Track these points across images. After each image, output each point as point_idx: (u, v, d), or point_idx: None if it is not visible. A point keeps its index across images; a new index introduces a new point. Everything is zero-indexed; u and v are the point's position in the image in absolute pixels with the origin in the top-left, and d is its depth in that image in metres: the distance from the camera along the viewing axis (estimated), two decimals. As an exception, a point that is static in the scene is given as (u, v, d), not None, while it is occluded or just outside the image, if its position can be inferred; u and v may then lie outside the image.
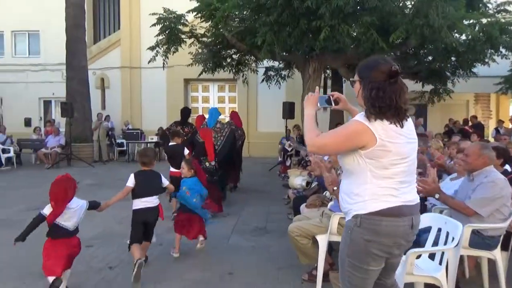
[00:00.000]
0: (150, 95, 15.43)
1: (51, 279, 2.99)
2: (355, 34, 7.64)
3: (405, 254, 2.41)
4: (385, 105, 1.83)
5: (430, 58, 10.06)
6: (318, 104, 2.13)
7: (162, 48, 10.36)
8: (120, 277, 3.55)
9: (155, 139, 12.98)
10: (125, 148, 13.53)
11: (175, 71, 14.26)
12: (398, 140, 1.85)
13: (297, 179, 5.93)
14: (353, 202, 1.93)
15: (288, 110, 10.99)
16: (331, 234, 3.30)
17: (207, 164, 6.13)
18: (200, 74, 11.34)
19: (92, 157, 12.42)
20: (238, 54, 11.28)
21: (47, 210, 3.14)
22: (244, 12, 8.73)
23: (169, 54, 10.43)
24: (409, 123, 1.94)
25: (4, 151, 11.33)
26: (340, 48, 7.72)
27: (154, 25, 9.89)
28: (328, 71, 12.76)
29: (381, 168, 1.86)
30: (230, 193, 7.46)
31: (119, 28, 15.98)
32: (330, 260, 3.47)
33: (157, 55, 10.39)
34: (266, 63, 11.63)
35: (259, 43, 7.69)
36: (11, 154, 11.52)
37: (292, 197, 5.75)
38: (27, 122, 15.91)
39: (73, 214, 3.20)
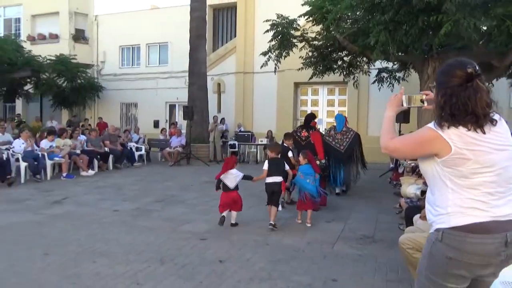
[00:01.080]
0: (261, 99, 16.02)
1: (221, 215, 5.28)
2: (485, 28, 6.80)
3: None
4: (458, 112, 1.69)
5: None
6: (405, 104, 2.04)
7: (274, 53, 10.69)
8: (229, 271, 3.76)
9: (265, 141, 13.43)
10: (236, 149, 14.29)
11: (286, 75, 14.55)
12: (479, 148, 1.68)
13: (411, 188, 5.49)
14: (436, 214, 1.78)
15: (403, 113, 10.22)
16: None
17: (317, 162, 6.56)
18: (310, 78, 11.37)
19: (208, 156, 13.43)
20: (350, 56, 11.00)
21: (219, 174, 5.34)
22: (357, 13, 8.48)
23: (280, 58, 10.71)
24: (499, 128, 1.73)
25: (137, 149, 12.99)
26: (466, 45, 6.95)
27: (267, 31, 10.27)
28: (451, 71, 11.59)
29: (461, 177, 1.70)
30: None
31: (235, 36, 16.99)
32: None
33: (269, 60, 10.76)
34: (379, 64, 11.11)
35: (372, 43, 7.39)
36: (143, 152, 13.15)
37: (404, 206, 5.37)
38: (156, 124, 17.97)
39: (232, 178, 5.22)
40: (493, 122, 1.72)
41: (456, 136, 1.69)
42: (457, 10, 6.23)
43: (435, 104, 1.81)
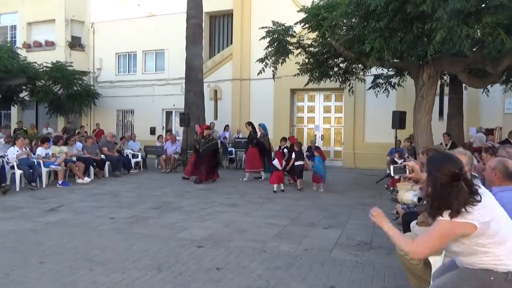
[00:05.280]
0: (258, 105, 16.04)
1: (274, 185, 8.86)
2: (479, 35, 6.87)
3: None
4: (444, 205, 2.14)
5: None
6: (392, 173, 2.61)
7: (270, 60, 10.74)
8: (227, 279, 3.74)
9: (262, 147, 13.39)
10: (233, 156, 14.25)
11: (282, 81, 14.60)
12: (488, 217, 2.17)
13: (408, 194, 5.46)
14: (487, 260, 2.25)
15: (399, 120, 10.30)
16: (446, 256, 2.99)
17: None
18: (306, 84, 11.42)
19: (204, 163, 13.36)
20: (346, 63, 11.07)
21: (275, 162, 8.94)
22: (353, 20, 8.55)
23: (277, 65, 10.75)
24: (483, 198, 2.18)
25: (134, 156, 12.95)
26: (459, 52, 7.02)
27: (263, 38, 10.32)
28: (445, 77, 11.70)
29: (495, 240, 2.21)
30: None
31: (231, 43, 17.05)
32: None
33: (265, 67, 10.80)
34: (375, 70, 11.19)
35: (367, 50, 7.44)
36: (139, 159, 13.10)
37: (401, 212, 5.37)
38: (152, 131, 17.93)
39: (278, 164, 8.90)
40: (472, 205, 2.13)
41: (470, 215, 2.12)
42: (450, 18, 6.30)
43: (428, 193, 2.25)
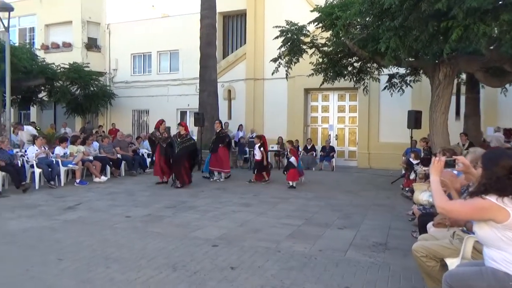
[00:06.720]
0: (272, 105, 16.03)
1: (291, 182, 9.51)
2: (496, 33, 6.72)
3: None
4: (496, 193, 2.21)
5: None
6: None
7: (284, 59, 10.72)
8: (241, 278, 3.76)
9: (275, 147, 13.40)
10: (247, 155, 14.28)
11: (296, 81, 14.57)
12: None
13: (424, 194, 5.43)
14: None
15: (414, 119, 10.17)
16: (463, 258, 2.95)
17: None
18: (321, 84, 11.36)
19: (218, 163, 13.40)
20: (360, 62, 10.99)
21: (292, 160, 9.62)
22: (367, 19, 8.48)
23: (290, 64, 10.74)
24: None
25: (149, 155, 13.07)
26: (476, 50, 6.89)
27: (277, 37, 10.32)
28: (462, 76, 11.50)
29: None
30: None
31: (245, 43, 17.08)
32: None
33: (279, 67, 10.79)
34: (389, 70, 11.07)
35: (382, 49, 7.37)
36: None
37: (417, 213, 5.32)
38: (167, 131, 18.06)
39: (294, 161, 9.63)
40: None
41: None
42: (466, 16, 6.18)
43: (482, 184, 2.30)
